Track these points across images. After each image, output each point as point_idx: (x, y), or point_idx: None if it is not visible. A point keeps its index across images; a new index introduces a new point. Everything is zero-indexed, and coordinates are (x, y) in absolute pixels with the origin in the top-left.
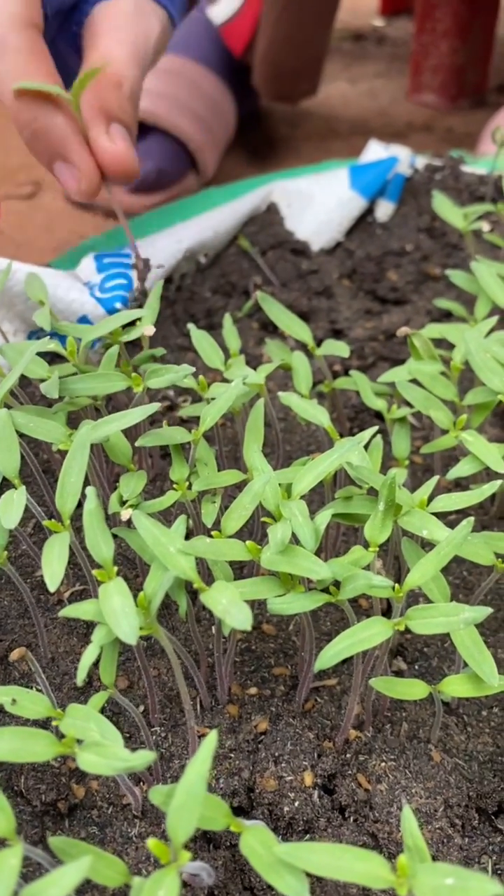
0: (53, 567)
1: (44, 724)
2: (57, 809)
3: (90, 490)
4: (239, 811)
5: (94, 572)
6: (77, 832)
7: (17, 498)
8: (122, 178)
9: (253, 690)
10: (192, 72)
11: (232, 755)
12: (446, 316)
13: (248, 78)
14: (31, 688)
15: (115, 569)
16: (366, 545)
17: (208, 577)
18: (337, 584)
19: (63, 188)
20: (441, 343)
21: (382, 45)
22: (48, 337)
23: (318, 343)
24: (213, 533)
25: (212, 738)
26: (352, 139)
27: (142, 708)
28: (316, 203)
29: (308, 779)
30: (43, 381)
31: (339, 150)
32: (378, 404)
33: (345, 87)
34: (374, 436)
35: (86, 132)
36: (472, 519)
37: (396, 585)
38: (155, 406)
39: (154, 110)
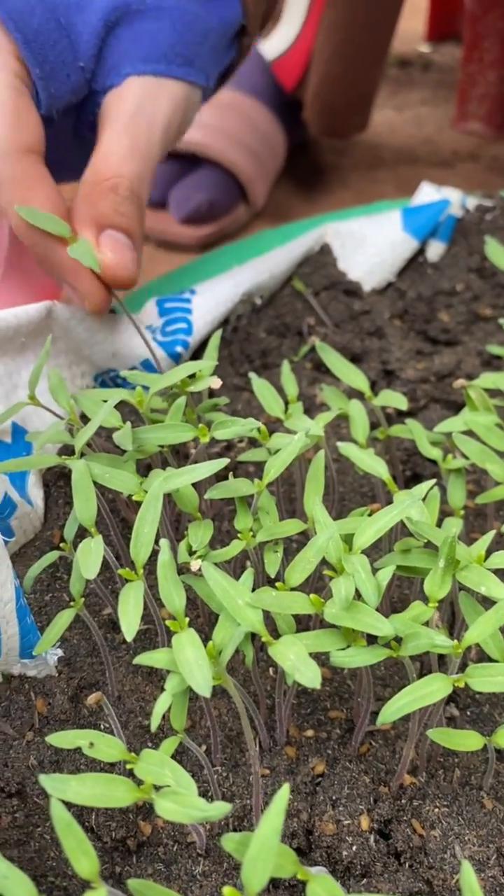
0: (130, 617)
1: (112, 764)
2: (126, 846)
3: (164, 542)
4: (297, 853)
5: (167, 623)
6: (144, 868)
7: (95, 547)
8: (119, 286)
9: (310, 733)
10: (243, 105)
11: (290, 796)
12: (497, 358)
13: (299, 111)
14: (100, 726)
15: (187, 620)
16: (425, 600)
17: (269, 622)
18: (398, 638)
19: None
20: (496, 393)
21: (428, 71)
22: (119, 385)
23: (372, 384)
24: (276, 584)
25: (284, 791)
26: (398, 168)
27: (203, 748)
28: (368, 244)
29: (365, 823)
30: (114, 429)
31: (386, 179)
32: (434, 454)
33: (391, 115)
34: (431, 488)
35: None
36: None
37: (456, 642)
38: (224, 461)
39: (206, 142)
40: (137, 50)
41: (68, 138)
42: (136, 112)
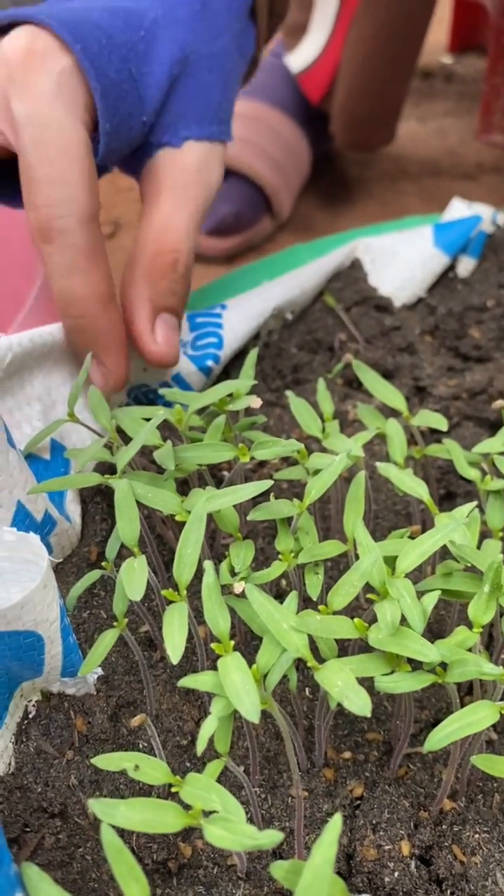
0: (175, 640)
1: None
2: (167, 868)
3: (208, 564)
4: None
5: (213, 646)
6: (185, 891)
7: (139, 567)
8: (159, 368)
9: (347, 755)
10: (270, 117)
11: (329, 819)
12: None
13: (324, 123)
14: (139, 745)
15: (233, 643)
16: (466, 623)
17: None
18: (443, 664)
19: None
20: None
21: (451, 82)
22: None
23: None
24: (319, 608)
25: (336, 821)
26: (422, 180)
27: (242, 768)
28: (399, 259)
29: (406, 849)
30: (152, 446)
31: (411, 191)
32: (471, 474)
33: (414, 126)
34: (471, 511)
35: (127, 318)
36: None
37: (501, 669)
38: (268, 483)
39: (232, 154)
40: (195, 109)
41: None
42: (195, 181)
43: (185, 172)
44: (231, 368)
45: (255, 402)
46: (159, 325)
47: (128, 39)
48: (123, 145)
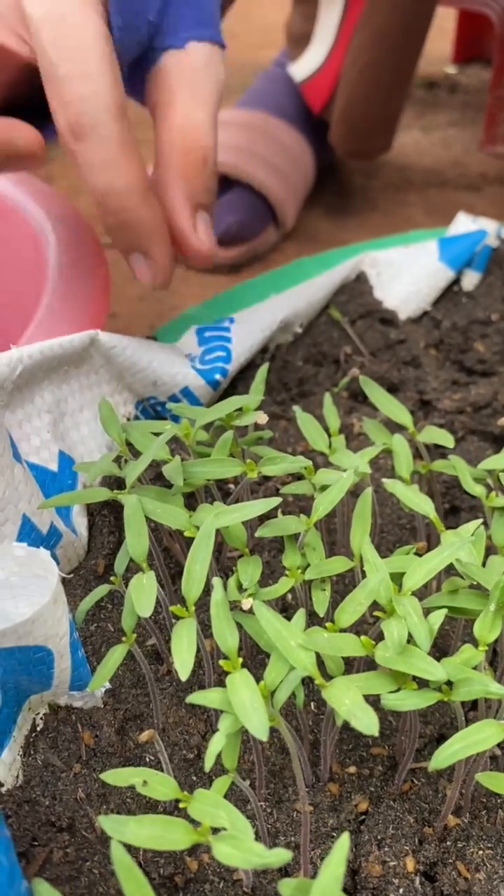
0: (184, 656)
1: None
2: (174, 883)
3: (217, 581)
4: (344, 893)
5: (221, 662)
6: None
7: (148, 583)
8: (201, 267)
9: (352, 769)
10: (273, 127)
11: (334, 834)
12: None
13: (327, 133)
14: (146, 759)
15: (240, 660)
16: (471, 641)
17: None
18: (449, 682)
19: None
20: None
21: (455, 92)
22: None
23: (409, 414)
24: (326, 625)
25: (344, 840)
26: (426, 191)
27: (247, 782)
28: (405, 273)
29: (410, 865)
30: (162, 461)
31: (415, 202)
32: (477, 490)
33: (418, 136)
34: (477, 528)
35: (169, 216)
36: None
37: None
38: (276, 500)
39: (237, 164)
40: (193, 12)
41: None
42: (205, 80)
43: (195, 71)
44: (237, 381)
45: (262, 418)
46: (200, 224)
47: None
48: (133, 46)
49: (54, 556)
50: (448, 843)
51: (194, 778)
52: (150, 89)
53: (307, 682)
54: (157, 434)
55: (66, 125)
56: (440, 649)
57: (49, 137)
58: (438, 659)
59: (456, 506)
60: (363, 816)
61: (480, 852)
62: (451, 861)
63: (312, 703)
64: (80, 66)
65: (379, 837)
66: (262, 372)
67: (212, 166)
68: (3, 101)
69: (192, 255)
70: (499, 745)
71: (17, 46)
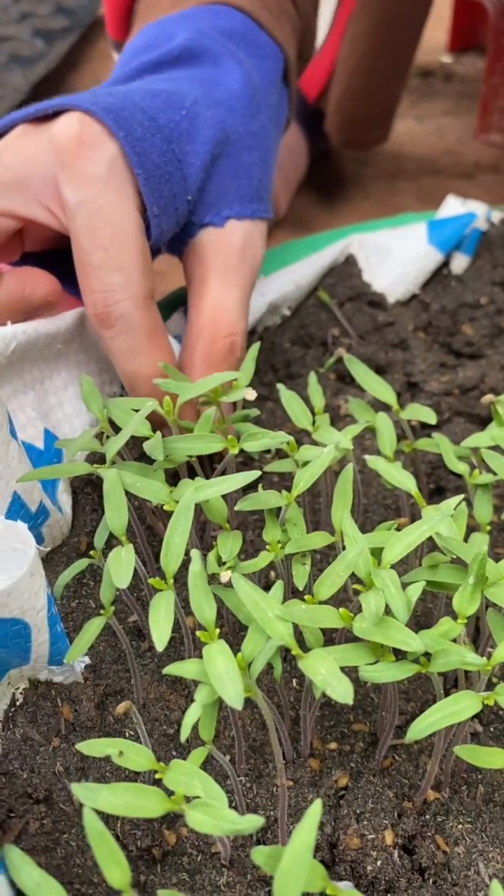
0: (161, 628)
1: (137, 772)
2: (151, 855)
3: (195, 553)
4: (321, 866)
5: (198, 633)
6: (169, 878)
7: (126, 556)
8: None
9: (333, 745)
10: None
11: None
12: None
13: (321, 121)
14: (125, 733)
15: (218, 631)
16: (451, 615)
17: (296, 634)
18: (426, 653)
19: None
20: None
21: (450, 81)
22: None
23: (396, 396)
24: (305, 598)
25: (316, 807)
26: (420, 179)
27: (227, 757)
28: (393, 256)
29: (389, 838)
30: (143, 438)
31: (408, 190)
32: (461, 468)
33: (412, 125)
34: (458, 504)
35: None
36: None
37: (485, 660)
38: (256, 474)
39: None
40: (236, 188)
41: None
42: (240, 262)
43: (230, 254)
44: None
45: (250, 394)
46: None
47: (170, 119)
48: (171, 226)
49: (41, 535)
50: (427, 816)
51: (174, 753)
52: (187, 261)
53: (289, 659)
54: (138, 410)
55: (93, 312)
56: (423, 626)
57: (70, 290)
58: (419, 633)
59: (441, 486)
60: (343, 791)
61: (459, 826)
62: (429, 835)
63: (294, 680)
64: (111, 257)
65: (358, 811)
66: (252, 350)
67: (238, 353)
68: (40, 250)
69: None
70: (480, 721)
71: (49, 220)
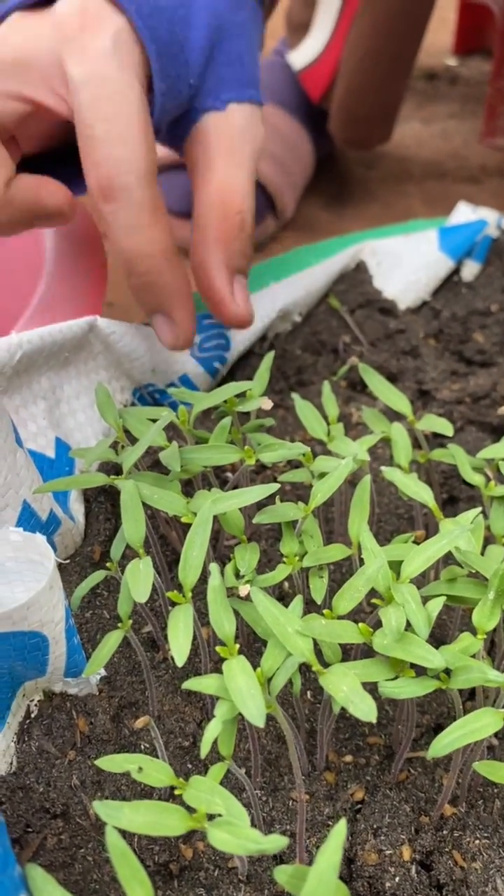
0: (180, 642)
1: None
2: (168, 870)
3: (214, 567)
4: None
5: (217, 649)
6: (186, 893)
7: (144, 569)
8: (241, 329)
9: (348, 758)
10: (272, 116)
11: (330, 823)
12: None
13: (326, 122)
14: (141, 746)
15: (237, 646)
16: (469, 629)
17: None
18: (447, 670)
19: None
20: None
21: (455, 84)
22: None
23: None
24: (324, 612)
25: (341, 827)
26: (426, 183)
27: (243, 770)
28: (404, 263)
29: (406, 853)
30: (159, 448)
31: (414, 193)
32: (476, 480)
33: (418, 128)
34: (476, 517)
35: (207, 281)
36: None
37: None
38: (274, 487)
39: None
40: (233, 73)
41: None
42: (243, 143)
43: (234, 134)
44: (235, 369)
45: (267, 403)
46: (238, 290)
47: (170, 4)
48: (174, 108)
49: (53, 544)
50: (444, 832)
51: (190, 766)
52: (190, 148)
53: (304, 670)
54: (154, 420)
55: (96, 185)
56: (438, 639)
57: (78, 192)
58: (436, 648)
59: (454, 496)
60: (359, 805)
61: (477, 842)
62: (447, 850)
63: (309, 693)
64: (115, 129)
65: (375, 826)
66: (267, 359)
67: (248, 230)
68: (37, 151)
69: (230, 320)
70: (495, 734)
71: (55, 104)
